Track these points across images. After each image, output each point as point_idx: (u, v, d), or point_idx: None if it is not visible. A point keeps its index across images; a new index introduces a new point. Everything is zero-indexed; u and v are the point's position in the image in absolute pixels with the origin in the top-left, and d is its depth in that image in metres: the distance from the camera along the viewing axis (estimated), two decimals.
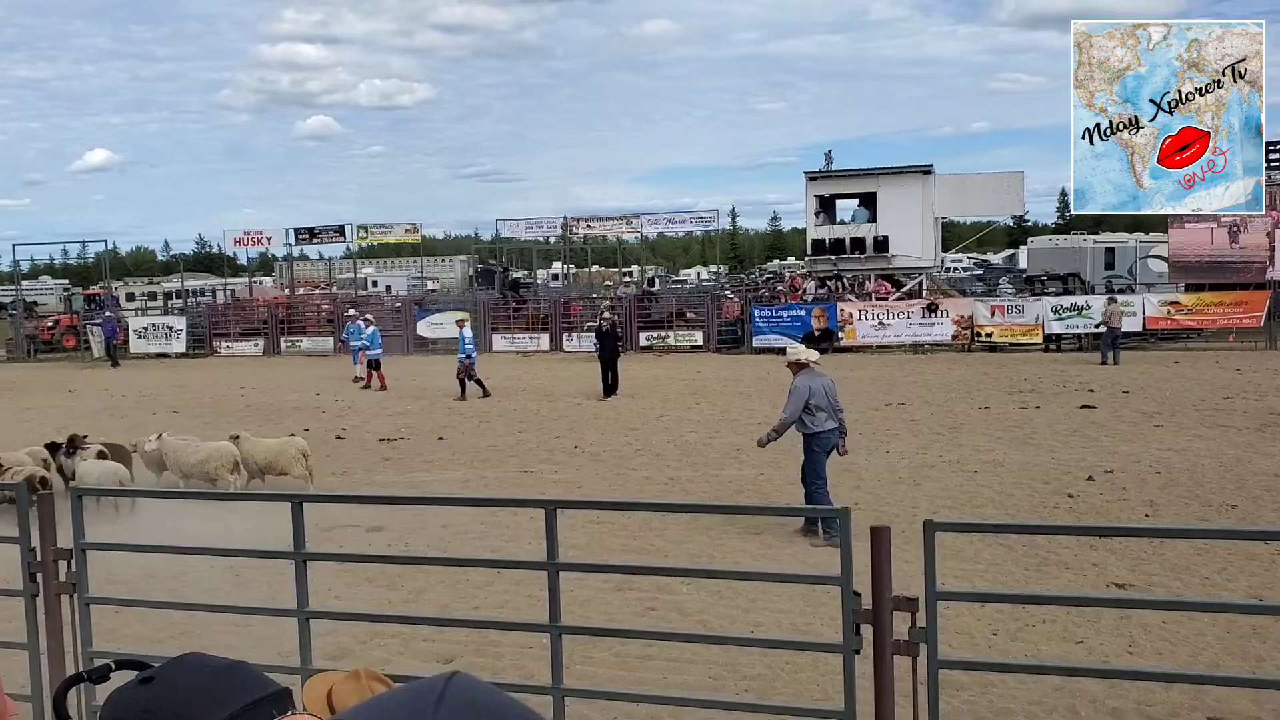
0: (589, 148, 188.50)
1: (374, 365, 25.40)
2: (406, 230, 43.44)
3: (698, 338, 33.86)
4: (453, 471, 14.26)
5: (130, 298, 54.63)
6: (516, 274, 49.24)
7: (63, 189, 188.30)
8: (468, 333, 23.08)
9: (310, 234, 42.86)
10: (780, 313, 32.85)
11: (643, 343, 34.13)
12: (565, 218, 42.53)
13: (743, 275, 60.11)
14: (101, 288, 48.65)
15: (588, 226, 42.69)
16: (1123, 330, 27.15)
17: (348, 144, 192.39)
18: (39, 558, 4.90)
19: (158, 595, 8.28)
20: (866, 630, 4.16)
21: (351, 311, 29.23)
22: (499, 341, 35.44)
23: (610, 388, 22.04)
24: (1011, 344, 30.44)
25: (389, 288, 56.32)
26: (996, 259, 66.46)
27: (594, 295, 40.60)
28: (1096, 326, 28.00)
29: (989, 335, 30.76)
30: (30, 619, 4.90)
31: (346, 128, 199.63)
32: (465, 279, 59.37)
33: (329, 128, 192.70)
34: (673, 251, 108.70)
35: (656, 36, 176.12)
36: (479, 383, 22.46)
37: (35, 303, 57.47)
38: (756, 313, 32.91)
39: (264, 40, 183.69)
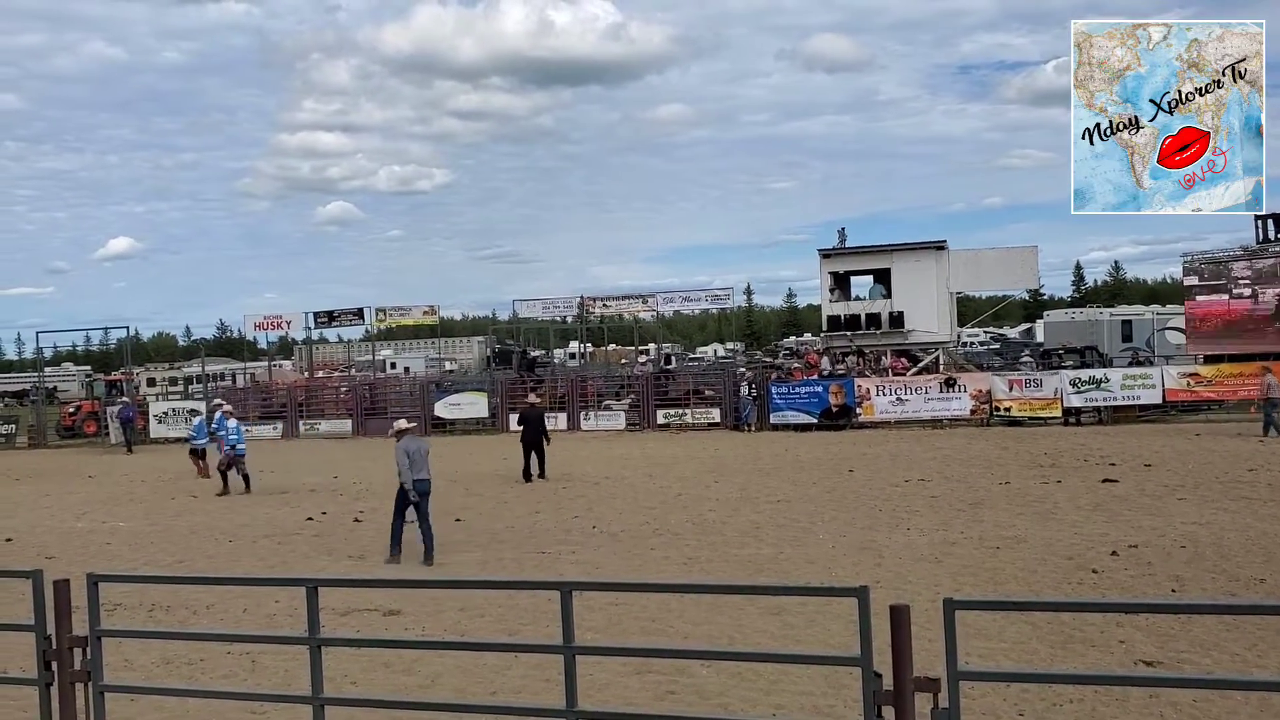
0: (605, 229, 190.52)
1: (199, 454, 24.49)
2: (424, 312, 43.89)
3: (715, 415, 33.85)
4: (469, 554, 14.18)
5: (151, 383, 55.11)
6: (534, 353, 49.52)
7: (86, 277, 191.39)
8: (233, 424, 21.72)
9: (329, 317, 43.36)
10: (798, 389, 32.84)
11: (660, 421, 34.12)
12: (582, 297, 42.88)
13: (758, 352, 60.13)
14: (123, 373, 49.10)
15: (604, 306, 43.01)
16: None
17: (367, 229, 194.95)
18: (54, 645, 4.87)
19: (173, 682, 8.23)
20: (889, 711, 4.10)
21: (218, 401, 26.57)
22: (516, 422, 35.41)
23: (528, 471, 21.11)
24: (1030, 418, 30.26)
25: (407, 369, 56.60)
26: (1013, 333, 66.45)
27: (599, 375, 40.62)
28: (1259, 398, 25.88)
29: (1007, 409, 30.63)
30: (44, 708, 4.86)
31: (366, 213, 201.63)
32: (483, 359, 59.68)
33: (349, 213, 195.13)
34: (689, 329, 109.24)
35: (669, 120, 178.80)
36: (244, 477, 21.29)
37: (57, 389, 57.99)
38: (774, 390, 32.90)
39: (284, 129, 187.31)
